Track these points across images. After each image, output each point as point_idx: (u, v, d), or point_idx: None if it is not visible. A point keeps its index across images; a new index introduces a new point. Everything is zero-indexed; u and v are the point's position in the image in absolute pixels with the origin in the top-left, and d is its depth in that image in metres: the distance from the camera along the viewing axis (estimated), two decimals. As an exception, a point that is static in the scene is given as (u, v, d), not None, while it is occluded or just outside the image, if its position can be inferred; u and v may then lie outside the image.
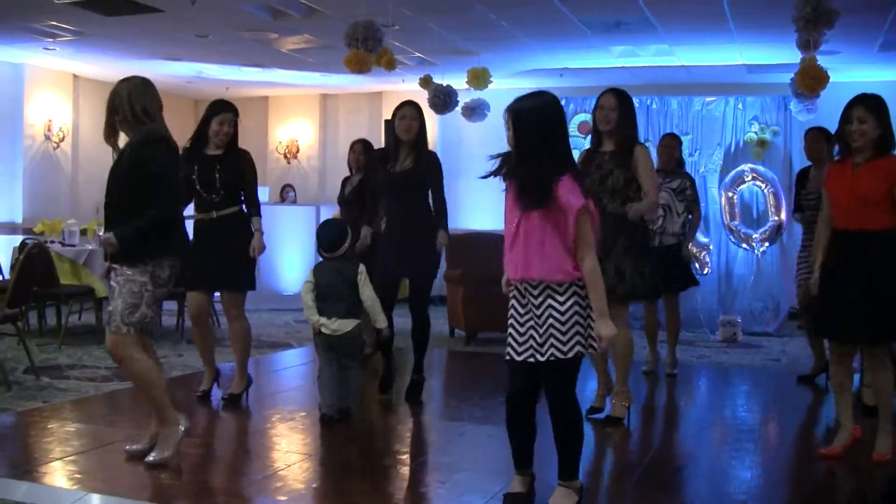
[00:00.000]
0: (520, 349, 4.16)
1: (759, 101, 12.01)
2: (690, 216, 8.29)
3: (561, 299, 4.07)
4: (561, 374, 4.14)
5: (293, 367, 8.74)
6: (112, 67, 12.61)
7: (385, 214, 6.90)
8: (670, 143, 8.40)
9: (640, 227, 6.14)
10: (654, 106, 12.23)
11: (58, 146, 13.16)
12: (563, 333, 4.06)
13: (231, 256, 6.47)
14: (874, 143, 5.16)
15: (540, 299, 4.10)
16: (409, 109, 6.75)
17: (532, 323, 4.13)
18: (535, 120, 4.05)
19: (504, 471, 4.58)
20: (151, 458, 4.92)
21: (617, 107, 6.13)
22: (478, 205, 12.84)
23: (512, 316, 4.22)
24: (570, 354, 4.06)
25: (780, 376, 8.64)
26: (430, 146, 13.73)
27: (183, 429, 5.01)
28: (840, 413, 5.50)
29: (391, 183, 6.78)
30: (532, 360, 4.11)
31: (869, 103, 5.22)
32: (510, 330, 4.22)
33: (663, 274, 7.48)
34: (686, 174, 8.45)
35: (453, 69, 11.40)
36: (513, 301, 4.23)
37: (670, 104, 12.24)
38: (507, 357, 4.22)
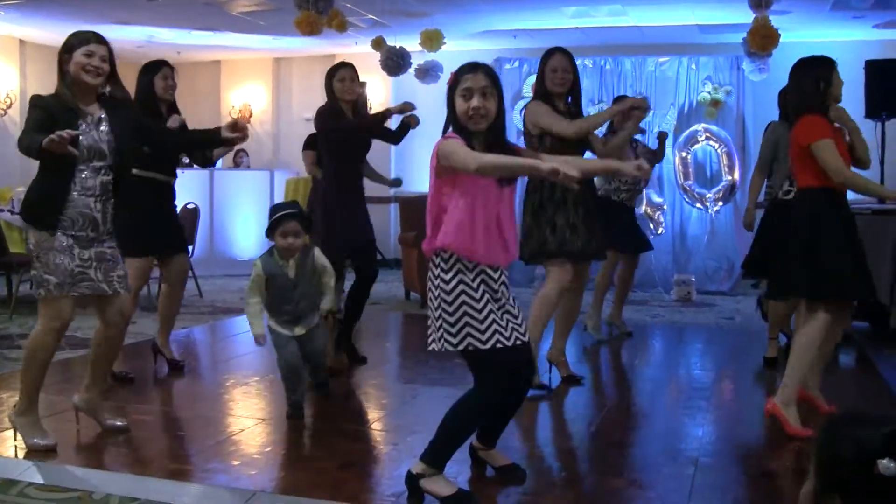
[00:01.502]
0: (507, 333, 3.89)
1: (712, 61, 12.03)
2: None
3: (506, 278, 4.01)
4: (530, 355, 4.13)
5: (247, 332, 8.65)
6: (60, 32, 12.29)
7: (331, 178, 6.76)
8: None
9: (592, 186, 6.14)
10: (607, 67, 12.22)
11: (5, 113, 12.98)
12: (522, 318, 4.02)
13: (173, 221, 6.47)
14: None
15: (502, 279, 3.97)
16: (348, 71, 6.65)
17: (506, 305, 3.95)
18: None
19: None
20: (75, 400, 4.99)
21: (570, 68, 6.10)
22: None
23: (487, 300, 3.86)
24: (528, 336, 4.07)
25: (734, 334, 8.71)
26: (383, 108, 13.87)
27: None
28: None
29: (348, 142, 6.69)
30: (519, 342, 3.93)
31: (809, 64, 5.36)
32: (491, 315, 3.85)
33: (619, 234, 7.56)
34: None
35: (406, 31, 11.32)
36: (482, 286, 3.88)
37: (624, 65, 12.24)
38: (500, 345, 3.85)
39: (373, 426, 5.41)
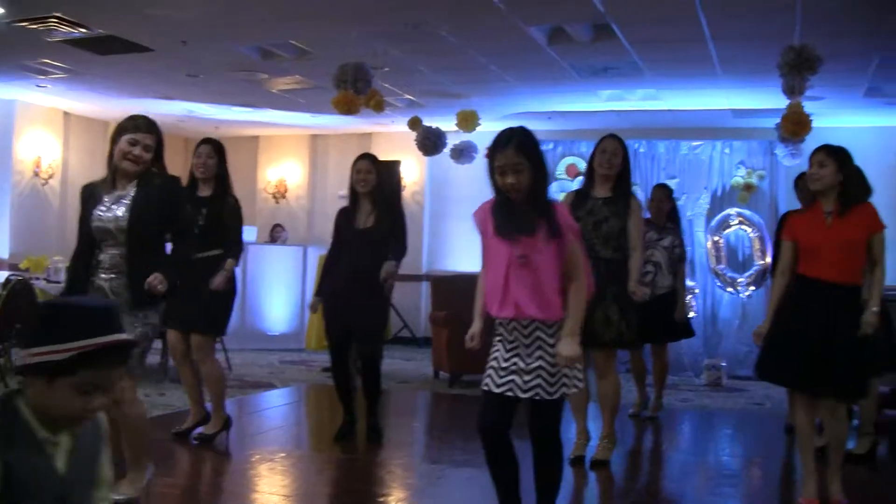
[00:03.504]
0: (499, 381, 4.11)
1: (746, 146, 12.07)
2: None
3: (551, 340, 4.08)
4: (547, 413, 4.16)
5: (275, 407, 8.71)
6: (103, 105, 12.68)
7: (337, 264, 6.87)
8: (660, 197, 8.37)
9: (626, 275, 6.14)
10: (641, 149, 12.28)
11: (46, 182, 13.18)
12: (552, 375, 4.06)
13: (203, 299, 6.40)
14: (837, 189, 5.21)
15: (531, 337, 4.10)
16: (363, 163, 6.79)
17: (518, 358, 4.10)
18: (542, 155, 4.15)
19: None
20: (117, 496, 4.84)
21: (620, 153, 6.19)
22: (464, 246, 12.85)
23: (497, 349, 4.18)
24: (556, 395, 4.09)
25: (764, 420, 8.63)
26: (419, 188, 14.01)
27: (149, 475, 4.95)
28: (803, 460, 5.42)
29: (351, 238, 6.78)
30: (511, 394, 4.08)
31: (831, 150, 5.29)
32: (492, 361, 4.18)
33: (655, 323, 7.55)
34: (675, 230, 8.39)
35: (442, 111, 11.45)
36: (499, 335, 4.19)
37: (657, 148, 12.30)
38: (485, 387, 4.16)
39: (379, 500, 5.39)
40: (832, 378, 5.10)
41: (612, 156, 6.15)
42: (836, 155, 5.25)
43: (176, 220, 4.96)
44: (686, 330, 8.62)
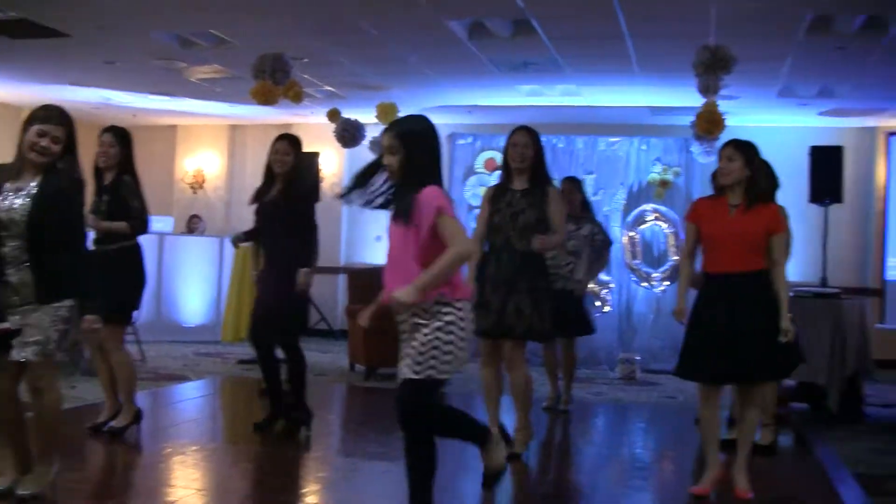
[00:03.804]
0: (400, 366, 4.18)
1: (662, 143, 12.23)
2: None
3: (425, 321, 4.08)
4: (409, 392, 4.11)
5: (189, 399, 8.64)
6: (16, 91, 12.41)
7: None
8: (569, 189, 8.36)
9: (543, 268, 6.20)
10: (559, 145, 12.34)
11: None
12: (420, 354, 4.06)
13: (109, 288, 6.30)
14: (744, 183, 5.33)
15: (409, 322, 4.13)
16: (282, 144, 6.79)
17: (405, 344, 4.16)
18: (423, 140, 4.18)
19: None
20: (22, 492, 4.74)
21: (530, 144, 6.19)
22: (382, 239, 12.83)
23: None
24: (421, 375, 4.06)
25: (676, 413, 8.76)
26: (338, 180, 13.95)
27: (56, 470, 4.86)
28: (706, 451, 5.56)
29: (259, 213, 6.85)
30: (401, 378, 4.12)
31: (740, 145, 5.41)
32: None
33: (565, 316, 7.59)
34: (593, 219, 8.50)
35: (363, 103, 11.42)
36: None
37: (575, 143, 12.38)
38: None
39: (307, 499, 5.38)
40: (742, 363, 5.23)
41: (523, 148, 6.17)
42: (743, 149, 5.36)
43: (67, 222, 4.81)
44: (586, 324, 8.53)
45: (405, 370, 4.09)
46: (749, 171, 5.32)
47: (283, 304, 6.69)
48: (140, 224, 6.44)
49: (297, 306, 6.96)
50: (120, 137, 6.49)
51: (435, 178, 4.17)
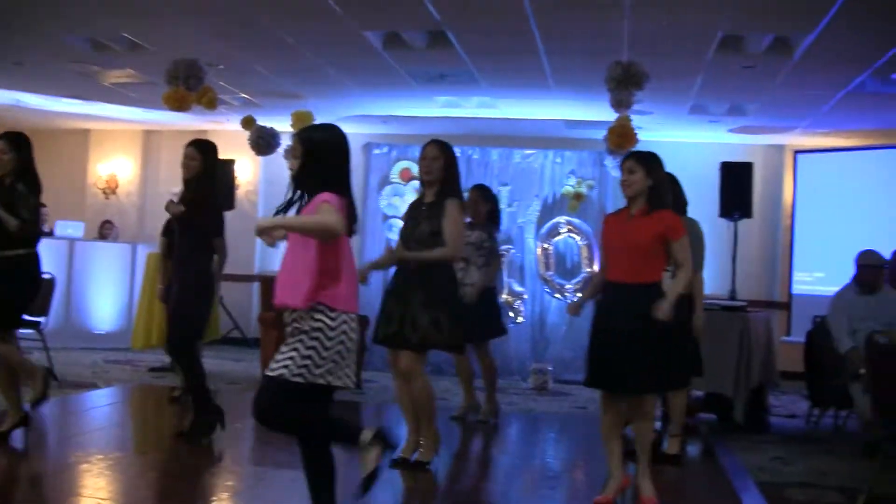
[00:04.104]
0: None
1: (577, 156, 12.36)
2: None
3: (298, 325, 4.09)
4: (263, 389, 4.16)
5: (98, 407, 8.50)
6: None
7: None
8: (475, 198, 8.30)
9: (444, 279, 6.21)
10: (475, 156, 12.40)
11: None
12: (280, 353, 4.09)
13: None
14: (645, 194, 5.40)
15: (292, 323, 4.14)
16: (188, 149, 6.80)
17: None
18: (324, 147, 4.20)
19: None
20: None
21: (439, 157, 6.22)
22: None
23: None
24: (273, 373, 4.07)
25: (587, 423, 8.84)
26: (253, 188, 13.88)
27: None
28: (609, 460, 5.61)
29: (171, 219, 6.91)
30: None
31: (640, 156, 5.51)
32: None
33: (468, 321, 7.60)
34: (487, 226, 8.31)
35: (279, 111, 11.37)
36: None
37: (491, 155, 12.46)
38: None
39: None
40: (623, 375, 5.32)
41: (431, 161, 6.21)
42: (644, 161, 5.44)
43: None
44: (495, 327, 8.46)
45: (270, 366, 4.12)
46: (651, 182, 5.40)
47: (189, 310, 6.69)
48: (25, 233, 6.30)
49: (199, 314, 6.88)
50: (15, 143, 6.37)
51: (333, 186, 4.14)
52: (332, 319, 4.08)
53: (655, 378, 5.39)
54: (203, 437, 6.68)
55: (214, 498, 5.66)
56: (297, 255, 4.13)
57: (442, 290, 6.15)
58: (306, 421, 4.23)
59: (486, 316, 8.25)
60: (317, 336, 4.05)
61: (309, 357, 4.04)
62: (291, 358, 4.04)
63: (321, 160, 4.18)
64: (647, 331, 5.26)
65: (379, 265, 6.77)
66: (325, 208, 4.04)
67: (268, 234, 4.18)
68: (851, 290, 7.94)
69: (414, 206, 6.37)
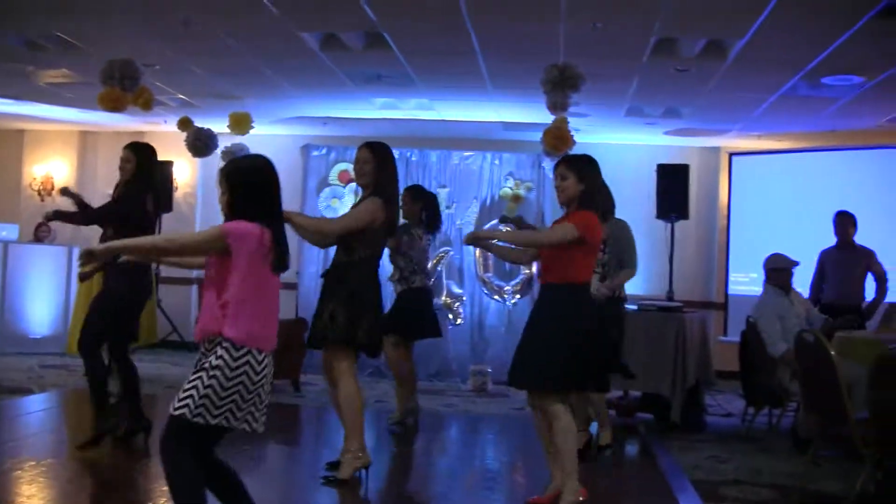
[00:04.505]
0: None
1: (515, 158, 12.41)
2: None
3: (204, 358, 3.94)
4: (165, 428, 4.01)
5: (32, 413, 8.41)
6: None
7: None
8: (404, 199, 8.13)
9: (365, 277, 6.13)
10: (413, 158, 12.42)
11: None
12: (183, 389, 3.91)
13: None
14: (578, 199, 5.42)
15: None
16: (123, 152, 6.86)
17: None
18: (245, 178, 4.03)
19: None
20: None
21: (370, 160, 6.21)
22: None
23: None
24: (175, 412, 3.91)
25: (525, 424, 8.85)
26: (191, 190, 13.78)
27: None
28: (548, 462, 5.63)
29: None
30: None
31: (571, 161, 5.54)
32: None
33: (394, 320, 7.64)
34: (406, 227, 8.13)
35: (217, 113, 11.30)
36: None
37: (429, 157, 12.48)
38: None
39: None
40: (516, 372, 5.40)
41: (362, 164, 6.21)
42: (575, 166, 5.46)
43: None
44: (421, 328, 8.32)
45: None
46: (583, 186, 5.41)
47: (100, 312, 6.69)
48: None
49: (123, 316, 6.81)
50: None
51: (252, 216, 3.93)
52: (235, 359, 3.87)
53: (535, 376, 5.38)
54: (100, 440, 6.65)
55: (150, 503, 5.61)
56: (216, 282, 3.94)
57: (364, 288, 6.11)
58: (178, 469, 3.98)
59: (413, 315, 8.17)
60: (214, 375, 3.84)
61: (206, 396, 3.85)
62: (191, 396, 3.87)
63: (243, 191, 3.99)
64: (553, 331, 5.31)
65: None
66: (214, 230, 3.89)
67: None
68: (773, 294, 8.15)
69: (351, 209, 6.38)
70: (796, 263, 8.30)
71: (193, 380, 3.87)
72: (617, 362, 7.13)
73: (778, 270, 8.23)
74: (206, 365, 3.85)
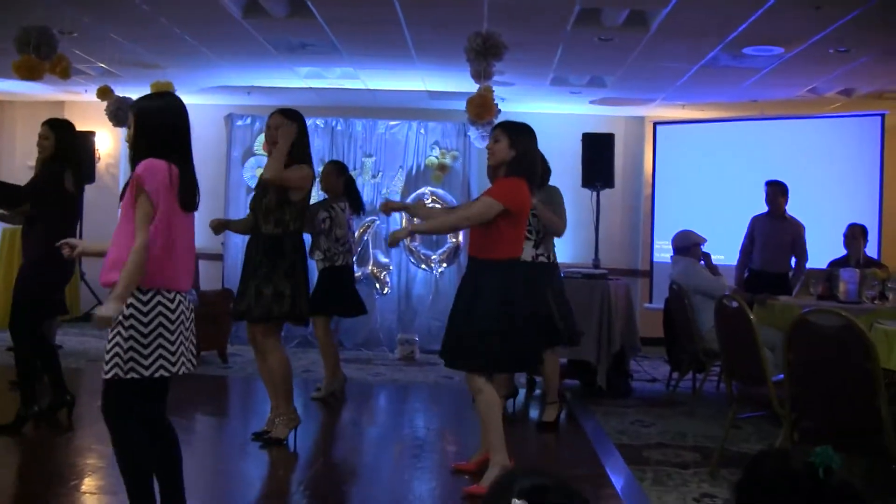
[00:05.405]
0: None
1: (441, 127, 12.40)
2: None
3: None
4: (104, 394, 4.04)
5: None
6: None
7: None
8: (326, 171, 8.34)
9: (290, 250, 6.15)
10: (338, 127, 12.36)
11: None
12: (106, 352, 3.91)
13: None
14: (507, 164, 5.42)
15: None
16: (41, 128, 6.77)
17: None
18: (153, 115, 4.04)
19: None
20: None
21: (282, 126, 6.17)
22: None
23: None
24: (107, 375, 3.92)
25: (453, 392, 8.94)
26: (114, 160, 13.56)
27: None
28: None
29: None
30: None
31: (506, 126, 5.51)
32: None
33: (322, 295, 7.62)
34: (325, 202, 8.21)
35: (139, 81, 11.07)
36: None
37: (355, 126, 12.42)
38: None
39: (72, 486, 5.25)
40: (445, 347, 5.44)
41: (273, 131, 6.20)
42: (510, 130, 5.45)
43: None
44: (349, 305, 8.39)
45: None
46: (514, 152, 5.40)
47: (24, 289, 6.57)
48: None
49: (40, 293, 6.70)
50: None
51: (161, 153, 3.95)
52: (144, 303, 3.84)
53: (457, 354, 5.44)
54: (21, 426, 6.52)
55: (84, 479, 5.55)
56: (122, 229, 3.92)
57: (287, 261, 6.12)
58: (126, 438, 4.04)
59: (334, 291, 8.14)
60: (131, 324, 3.82)
61: (132, 349, 3.83)
62: (117, 354, 3.84)
63: (151, 128, 4.00)
64: (471, 307, 5.32)
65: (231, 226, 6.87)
66: (140, 208, 3.83)
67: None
68: (695, 265, 8.33)
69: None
70: (704, 240, 8.51)
71: (112, 338, 3.82)
72: (559, 334, 7.22)
73: (686, 248, 8.46)
74: (120, 318, 3.78)
